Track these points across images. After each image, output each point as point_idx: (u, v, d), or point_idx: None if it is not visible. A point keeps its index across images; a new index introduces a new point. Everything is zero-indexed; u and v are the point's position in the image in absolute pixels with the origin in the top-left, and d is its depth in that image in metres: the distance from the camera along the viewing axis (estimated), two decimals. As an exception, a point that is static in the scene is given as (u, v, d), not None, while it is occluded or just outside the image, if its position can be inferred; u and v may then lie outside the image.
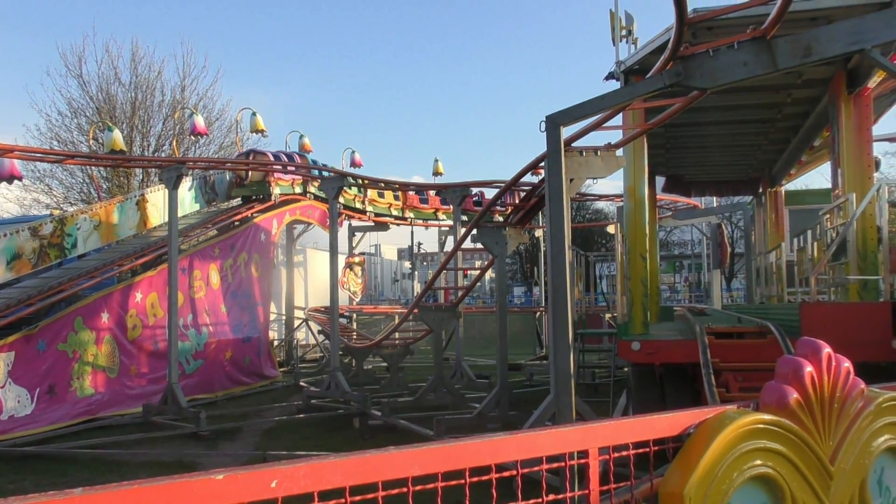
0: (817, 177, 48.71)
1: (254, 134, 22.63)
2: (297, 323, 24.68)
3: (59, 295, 13.90)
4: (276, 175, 20.99)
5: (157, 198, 17.81)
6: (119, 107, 28.22)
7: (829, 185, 11.70)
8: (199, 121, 19.19)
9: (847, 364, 2.83)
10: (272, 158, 20.90)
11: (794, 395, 2.65)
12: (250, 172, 20.73)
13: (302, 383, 18.17)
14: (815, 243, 11.21)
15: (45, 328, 13.11)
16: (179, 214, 15.54)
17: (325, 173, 18.83)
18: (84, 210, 16.66)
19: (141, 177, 27.34)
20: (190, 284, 16.90)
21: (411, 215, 26.84)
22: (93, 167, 23.42)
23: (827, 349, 2.77)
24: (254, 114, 21.11)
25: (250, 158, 21.06)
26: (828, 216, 10.49)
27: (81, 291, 14.34)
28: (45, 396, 12.85)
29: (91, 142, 22.83)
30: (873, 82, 9.93)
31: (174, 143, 24.70)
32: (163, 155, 27.07)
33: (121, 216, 16.73)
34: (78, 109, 28.12)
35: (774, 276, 14.00)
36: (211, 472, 1.74)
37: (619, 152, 8.50)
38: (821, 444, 2.69)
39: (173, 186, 14.27)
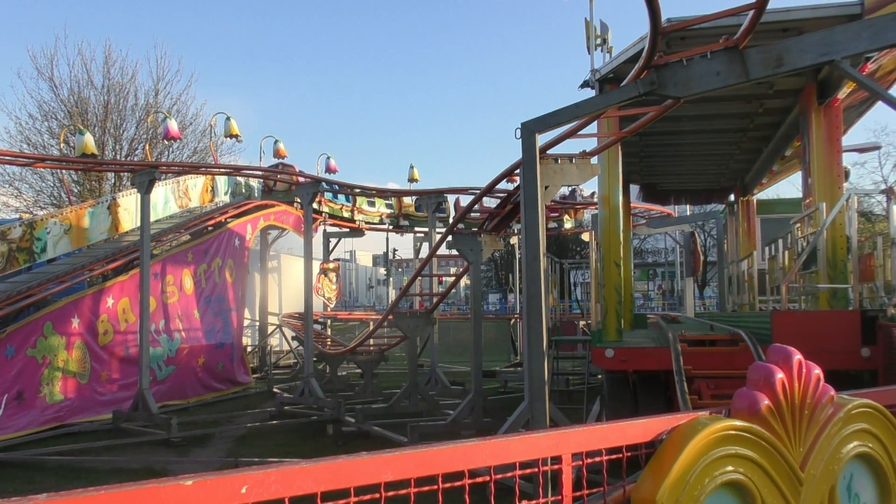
0: (788, 186, 49.36)
1: (228, 138, 22.48)
2: (270, 329, 24.52)
3: (27, 300, 13.70)
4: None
5: (129, 202, 17.63)
6: (91, 110, 27.87)
7: (800, 195, 11.85)
8: (173, 125, 19.00)
9: (817, 371, 2.85)
10: (297, 169, 22.19)
11: (765, 402, 2.67)
12: (278, 182, 22.35)
13: (275, 389, 18.04)
14: (786, 252, 11.35)
15: (13, 333, 12.90)
16: (152, 219, 15.40)
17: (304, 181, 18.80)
18: (54, 214, 16.47)
19: (113, 181, 27.04)
20: (163, 290, 16.73)
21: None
22: (63, 171, 23.13)
23: (798, 356, 2.80)
24: (228, 118, 20.97)
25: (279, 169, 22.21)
26: (798, 225, 10.62)
27: (51, 296, 14.14)
28: (14, 403, 12.65)
29: (62, 145, 22.49)
30: (843, 93, 10.07)
31: (147, 147, 24.42)
32: (135, 159, 26.78)
33: (92, 220, 16.55)
34: (49, 112, 27.74)
35: (746, 284, 14.14)
36: (180, 477, 1.72)
37: (594, 160, 8.53)
38: (791, 450, 2.71)
39: (146, 191, 14.13)
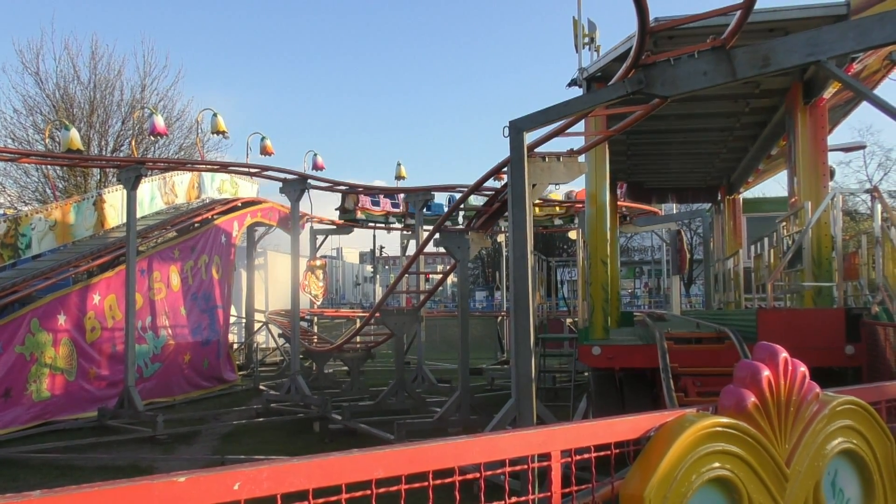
0: (774, 185, 49.54)
1: (215, 135, 22.39)
2: (257, 326, 24.47)
3: (12, 296, 13.60)
4: (361, 205, 24.63)
5: (114, 198, 17.53)
6: (77, 105, 27.66)
7: (786, 194, 11.92)
8: (159, 121, 18.90)
9: (803, 368, 2.88)
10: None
11: (751, 399, 2.69)
12: (345, 203, 24.43)
13: (262, 387, 18.02)
14: (772, 250, 11.42)
15: (-2, 330, 12.83)
16: (138, 215, 15.32)
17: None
18: (39, 210, 16.34)
19: (98, 177, 26.87)
20: (149, 286, 16.66)
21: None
22: (48, 166, 22.99)
23: (784, 354, 2.82)
24: (215, 115, 20.88)
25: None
26: (784, 224, 10.69)
27: (36, 293, 14.05)
28: (0, 400, 12.57)
29: (47, 140, 22.35)
30: (828, 93, 10.14)
31: (133, 142, 24.31)
32: (121, 155, 26.63)
33: (77, 216, 16.44)
34: (34, 107, 27.52)
35: (732, 282, 14.23)
36: (173, 474, 1.72)
37: (582, 158, 8.56)
38: (777, 446, 2.74)
39: (132, 187, 14.07)
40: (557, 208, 24.17)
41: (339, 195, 24.26)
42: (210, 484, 1.76)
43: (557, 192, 24.42)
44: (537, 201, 19.07)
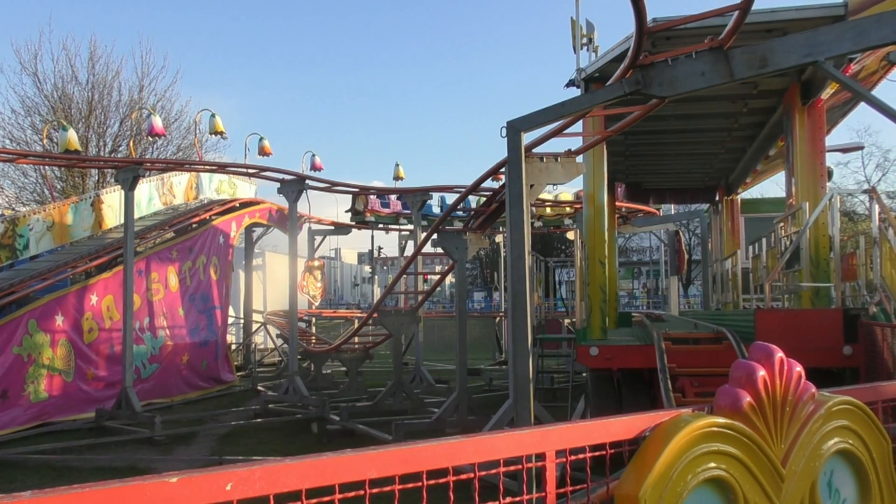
0: (772, 185, 49.57)
1: (213, 136, 22.36)
2: (255, 327, 24.45)
3: (9, 297, 13.57)
4: (371, 207, 24.93)
5: (112, 199, 17.51)
6: (75, 106, 27.62)
7: (784, 194, 11.92)
8: (157, 121, 18.85)
9: (799, 368, 2.87)
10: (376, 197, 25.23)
11: (747, 399, 2.69)
12: (355, 205, 24.84)
13: (260, 387, 17.99)
14: (770, 251, 11.42)
15: (-5, 331, 12.80)
16: (136, 216, 15.30)
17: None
18: (37, 210, 16.32)
19: (96, 177, 26.85)
20: (147, 287, 16.64)
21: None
22: (46, 167, 22.96)
23: (779, 353, 2.82)
24: (213, 115, 20.82)
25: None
26: (782, 224, 10.69)
27: (33, 293, 14.02)
28: (-2, 401, 12.57)
29: (45, 141, 22.31)
30: (826, 94, 10.14)
31: (131, 143, 24.26)
32: (119, 155, 26.58)
33: (75, 217, 16.42)
34: (32, 108, 27.47)
35: (730, 282, 14.23)
36: (165, 474, 1.72)
37: (579, 159, 8.55)
38: (773, 446, 2.73)
39: (129, 187, 14.05)
40: (567, 208, 24.12)
41: (341, 196, 24.39)
42: (202, 484, 1.76)
43: (568, 193, 24.43)
44: (539, 198, 19.07)
